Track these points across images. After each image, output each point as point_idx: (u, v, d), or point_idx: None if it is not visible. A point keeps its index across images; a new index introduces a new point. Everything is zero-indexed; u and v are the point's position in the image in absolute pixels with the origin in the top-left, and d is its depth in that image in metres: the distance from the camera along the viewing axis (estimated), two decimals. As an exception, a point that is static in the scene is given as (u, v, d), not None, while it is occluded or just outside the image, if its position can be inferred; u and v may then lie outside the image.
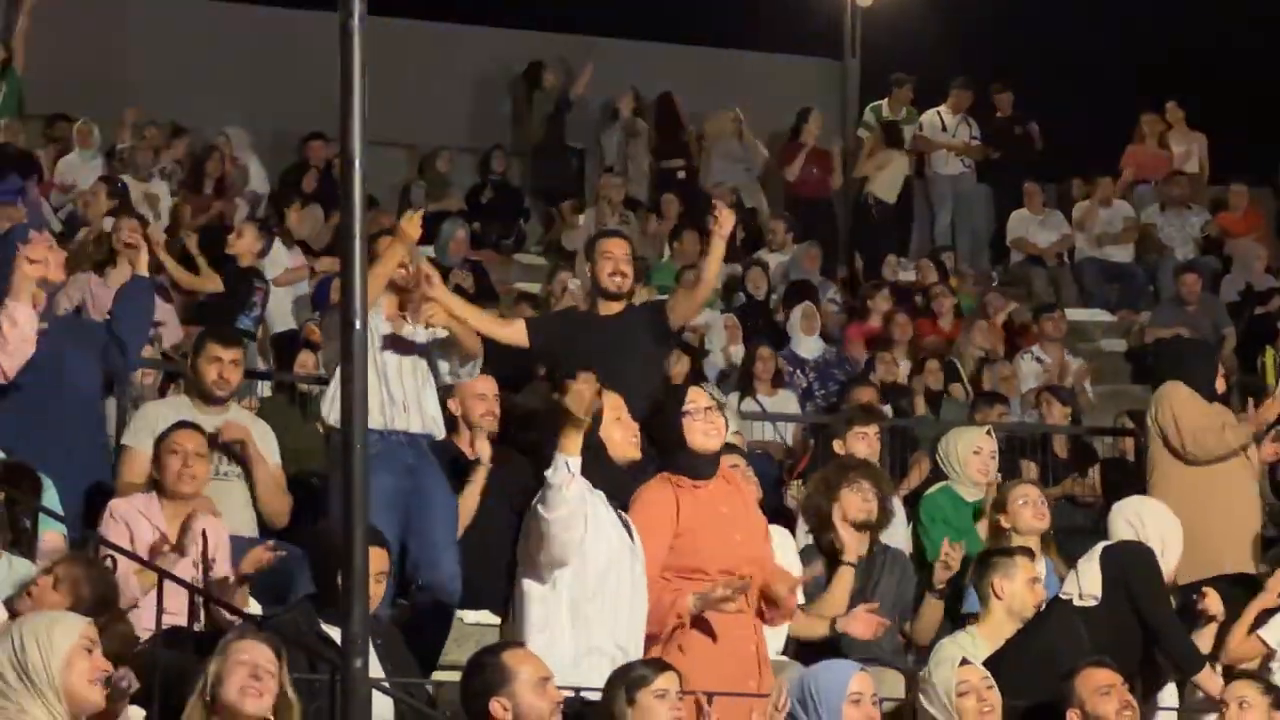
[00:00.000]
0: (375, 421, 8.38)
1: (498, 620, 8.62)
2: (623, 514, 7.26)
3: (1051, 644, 7.77)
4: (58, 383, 8.52)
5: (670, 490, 7.40)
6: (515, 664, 6.30)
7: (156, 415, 8.75)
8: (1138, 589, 7.93)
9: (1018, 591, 8.22)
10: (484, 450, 8.99)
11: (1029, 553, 8.55)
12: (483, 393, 9.22)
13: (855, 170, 18.79)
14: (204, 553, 7.66)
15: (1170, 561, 8.23)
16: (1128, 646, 7.88)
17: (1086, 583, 7.93)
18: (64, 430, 8.53)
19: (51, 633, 5.55)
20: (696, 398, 7.51)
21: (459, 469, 8.99)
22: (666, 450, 7.46)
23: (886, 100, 19.30)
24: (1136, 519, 8.21)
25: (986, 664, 7.84)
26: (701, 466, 7.45)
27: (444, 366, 8.85)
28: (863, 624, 8.05)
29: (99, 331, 9.10)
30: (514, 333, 9.23)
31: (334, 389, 8.50)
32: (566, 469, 6.92)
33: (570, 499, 6.93)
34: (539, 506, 6.96)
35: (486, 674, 6.30)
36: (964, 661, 7.22)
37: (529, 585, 7.12)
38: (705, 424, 7.45)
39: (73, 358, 8.67)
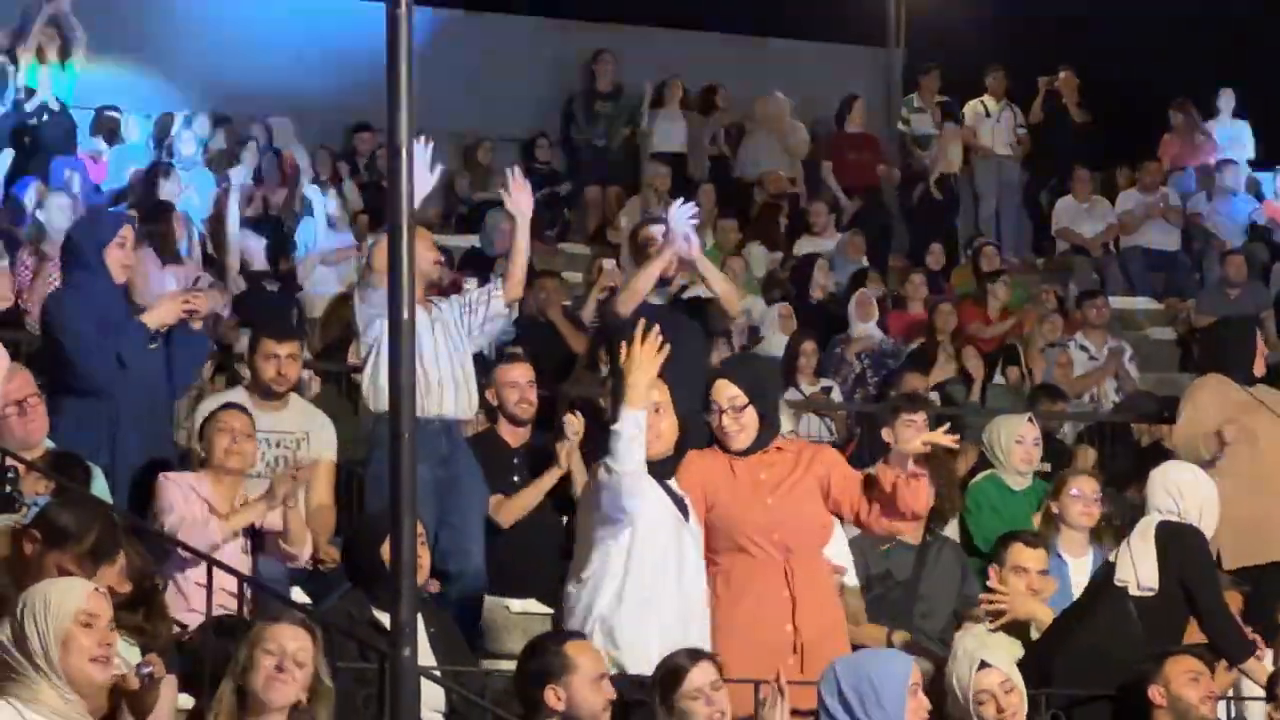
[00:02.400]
0: (411, 408, 8.48)
1: (545, 609, 8.68)
2: (674, 489, 7.25)
3: (1103, 633, 7.74)
4: (148, 388, 8.55)
5: (708, 460, 7.41)
6: (575, 655, 6.32)
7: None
8: (1192, 576, 7.86)
9: (1007, 578, 8.16)
10: (574, 464, 8.96)
11: (1031, 539, 8.46)
12: (514, 380, 9.24)
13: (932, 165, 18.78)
14: (251, 527, 7.74)
15: (1209, 522, 8.11)
16: (1175, 633, 7.85)
17: (1144, 573, 7.88)
18: (135, 421, 8.56)
19: (47, 610, 5.34)
20: (718, 393, 7.45)
21: (500, 459, 9.01)
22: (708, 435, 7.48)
23: (916, 92, 19.28)
24: (1175, 489, 8.05)
25: (1034, 651, 7.83)
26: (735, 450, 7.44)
27: (481, 314, 8.85)
28: None
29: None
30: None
31: (369, 372, 8.56)
32: (635, 424, 6.91)
33: (639, 452, 6.94)
34: (607, 460, 6.95)
35: (546, 660, 6.32)
36: (983, 664, 7.06)
37: (597, 550, 7.06)
38: (731, 422, 7.41)
39: (160, 362, 8.69)
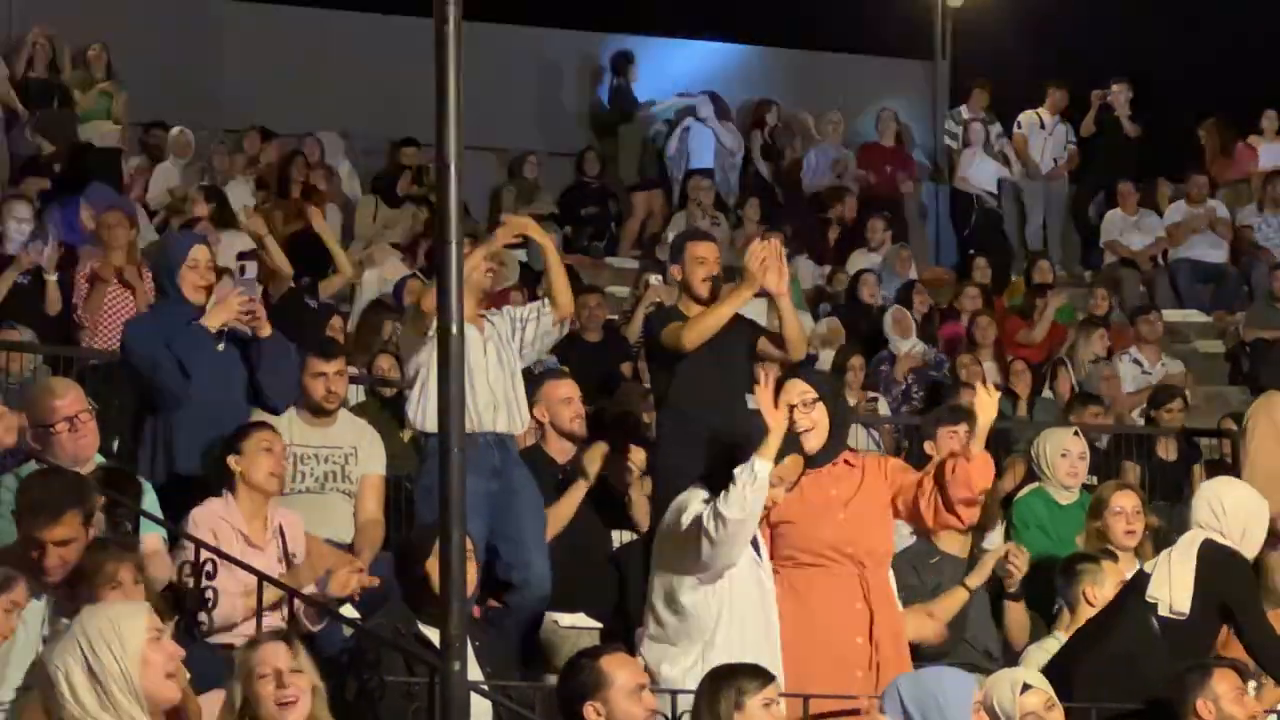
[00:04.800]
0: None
1: (593, 623, 8.67)
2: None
3: (1125, 645, 7.67)
4: (221, 395, 8.57)
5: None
6: (612, 669, 6.29)
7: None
8: (1238, 605, 7.78)
9: (1108, 598, 8.13)
10: (593, 468, 8.97)
11: (1113, 555, 8.47)
12: (568, 396, 9.23)
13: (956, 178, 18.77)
14: (284, 548, 7.73)
15: (1252, 542, 8.01)
16: (1201, 651, 7.74)
17: (1178, 596, 7.79)
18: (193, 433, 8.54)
19: (121, 633, 5.30)
20: (789, 391, 7.47)
21: (546, 475, 9.01)
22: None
23: (965, 105, 19.28)
24: (1218, 503, 7.96)
25: (1058, 660, 7.80)
26: (808, 459, 7.41)
27: (532, 331, 8.87)
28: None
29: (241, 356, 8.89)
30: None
31: (417, 392, 8.57)
32: (754, 472, 6.89)
33: (759, 504, 6.92)
34: (719, 506, 6.91)
35: (582, 677, 6.31)
36: (1026, 686, 7.02)
37: (689, 595, 7.05)
38: (803, 420, 7.41)
39: (232, 371, 8.70)
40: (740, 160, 18.54)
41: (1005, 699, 6.93)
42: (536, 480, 8.84)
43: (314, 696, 5.90)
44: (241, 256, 13.47)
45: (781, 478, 7.13)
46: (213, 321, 8.63)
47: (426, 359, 8.36)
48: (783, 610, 7.26)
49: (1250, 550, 8.01)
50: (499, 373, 8.67)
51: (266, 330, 8.71)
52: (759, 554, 7.23)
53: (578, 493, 8.98)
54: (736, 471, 6.89)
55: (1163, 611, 7.74)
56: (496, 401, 8.62)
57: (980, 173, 18.63)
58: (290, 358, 8.80)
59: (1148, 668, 7.54)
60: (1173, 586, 7.79)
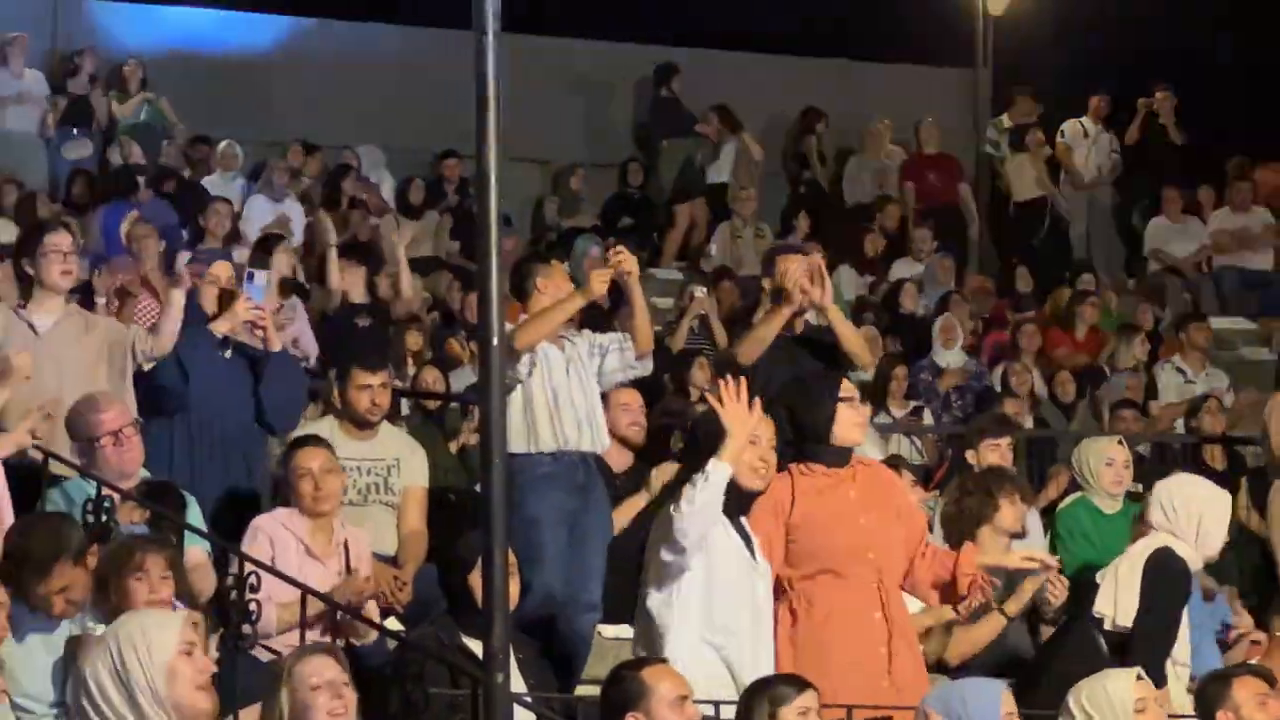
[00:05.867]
0: (548, 444, 8.54)
1: (636, 635, 8.69)
2: (744, 525, 7.24)
3: (1069, 661, 7.53)
4: (222, 404, 8.63)
5: (787, 481, 7.37)
6: (654, 680, 6.28)
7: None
8: (1156, 606, 7.69)
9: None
10: (657, 482, 8.98)
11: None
12: (626, 403, 9.31)
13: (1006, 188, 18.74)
14: (347, 564, 7.76)
15: (1210, 540, 7.89)
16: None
17: (1123, 611, 7.70)
18: (223, 451, 8.72)
19: (149, 643, 5.31)
20: (849, 388, 7.52)
21: (604, 483, 9.04)
22: (807, 437, 7.42)
23: (1007, 114, 19.25)
24: (1169, 501, 7.88)
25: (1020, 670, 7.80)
26: (836, 456, 7.42)
27: (614, 361, 8.89)
28: None
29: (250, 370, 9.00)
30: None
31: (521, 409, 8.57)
32: (723, 476, 6.92)
33: (718, 502, 6.93)
34: (682, 501, 6.95)
35: (624, 687, 6.30)
36: (1140, 676, 6.99)
37: (654, 597, 7.11)
38: (855, 414, 7.46)
39: (237, 381, 8.77)
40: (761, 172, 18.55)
41: (1120, 687, 6.71)
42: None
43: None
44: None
45: (760, 434, 7.13)
46: (219, 327, 8.71)
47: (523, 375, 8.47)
48: (802, 625, 7.25)
49: (1210, 549, 7.90)
50: (580, 393, 8.70)
51: (276, 345, 8.80)
52: (750, 545, 7.23)
53: (634, 506, 8.98)
54: (706, 470, 6.93)
55: (1107, 626, 7.67)
56: (580, 421, 8.65)
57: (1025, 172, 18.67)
58: (295, 379, 8.93)
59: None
60: (1118, 600, 7.71)
